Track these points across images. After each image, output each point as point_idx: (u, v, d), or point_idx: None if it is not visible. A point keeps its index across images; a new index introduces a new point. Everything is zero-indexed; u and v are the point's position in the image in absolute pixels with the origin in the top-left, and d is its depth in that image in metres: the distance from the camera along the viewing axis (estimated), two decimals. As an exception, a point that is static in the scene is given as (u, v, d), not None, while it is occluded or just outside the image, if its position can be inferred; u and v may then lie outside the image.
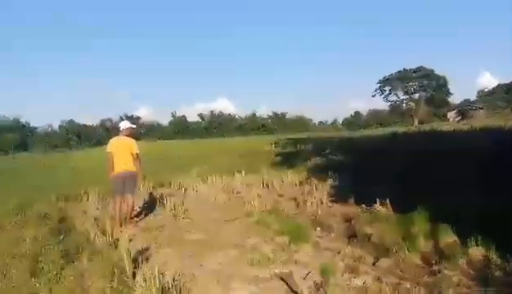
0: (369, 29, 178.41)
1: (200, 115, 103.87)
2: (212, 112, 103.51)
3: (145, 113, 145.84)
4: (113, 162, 8.13)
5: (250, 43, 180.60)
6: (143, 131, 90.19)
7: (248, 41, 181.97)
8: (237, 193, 11.50)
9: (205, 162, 21.82)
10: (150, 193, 11.49)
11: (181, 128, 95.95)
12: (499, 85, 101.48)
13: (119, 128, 8.60)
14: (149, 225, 8.25)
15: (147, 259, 5.87)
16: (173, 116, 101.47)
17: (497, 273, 4.63)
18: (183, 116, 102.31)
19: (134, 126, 8.97)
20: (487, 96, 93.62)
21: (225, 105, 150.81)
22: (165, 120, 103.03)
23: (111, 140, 8.42)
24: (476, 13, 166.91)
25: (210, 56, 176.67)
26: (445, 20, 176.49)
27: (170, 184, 13.45)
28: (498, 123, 23.44)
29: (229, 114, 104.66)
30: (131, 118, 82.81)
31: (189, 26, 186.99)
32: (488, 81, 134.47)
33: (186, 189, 12.26)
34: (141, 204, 10.32)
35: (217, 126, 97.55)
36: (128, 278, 4.86)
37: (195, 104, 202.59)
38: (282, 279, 4.90)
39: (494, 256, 4.98)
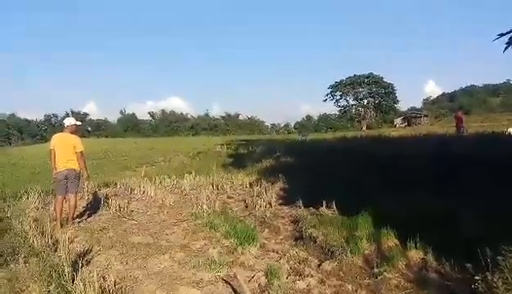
0: (323, 35, 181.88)
1: (151, 113, 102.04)
2: (163, 110, 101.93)
3: (94, 110, 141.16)
4: (55, 160, 7.78)
5: (205, 43, 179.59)
6: (90, 129, 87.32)
7: (203, 40, 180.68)
8: (186, 194, 11.33)
9: (154, 161, 21.41)
10: (95, 193, 11.07)
11: (130, 126, 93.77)
12: (443, 93, 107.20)
13: (63, 124, 8.24)
14: (92, 227, 7.92)
15: (88, 262, 5.65)
16: (122, 113, 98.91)
17: (433, 276, 4.83)
18: (133, 114, 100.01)
19: (79, 123, 8.62)
20: (431, 104, 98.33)
21: (177, 104, 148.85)
22: (114, 117, 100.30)
23: (54, 137, 8.05)
24: (423, 25, 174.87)
25: (163, 54, 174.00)
26: (394, 30, 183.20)
27: (116, 184, 13.03)
28: (441, 130, 24.61)
29: (181, 113, 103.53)
30: (77, 115, 80.00)
31: (141, 23, 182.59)
32: (433, 89, 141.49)
33: (132, 190, 11.93)
34: (84, 204, 9.93)
35: (168, 124, 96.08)
36: (66, 281, 4.64)
37: (146, 102, 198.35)
38: (227, 282, 4.87)
39: (431, 259, 5.20)
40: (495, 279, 3.73)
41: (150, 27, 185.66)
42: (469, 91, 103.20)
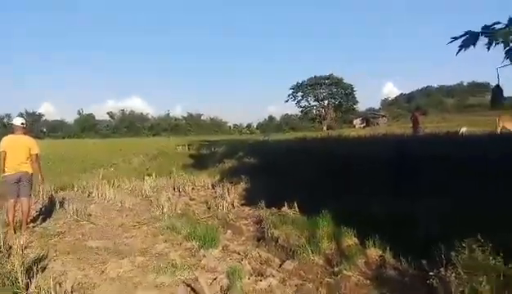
0: (286, 37, 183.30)
1: (110, 113, 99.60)
2: (122, 110, 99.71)
3: (50, 111, 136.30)
4: (5, 163, 7.44)
5: (167, 43, 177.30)
6: (45, 130, 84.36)
7: (164, 40, 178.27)
8: (146, 196, 11.13)
9: (113, 163, 20.91)
10: (50, 197, 10.67)
11: (87, 126, 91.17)
12: (400, 94, 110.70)
13: (13, 125, 7.88)
14: (47, 232, 7.62)
15: (44, 268, 5.43)
16: (80, 114, 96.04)
17: (391, 273, 4.97)
18: (91, 114, 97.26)
19: (24, 123, 8.11)
20: (389, 105, 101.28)
21: (137, 104, 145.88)
22: (71, 118, 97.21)
23: (4, 138, 7.67)
24: (382, 27, 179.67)
25: (123, 53, 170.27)
26: (354, 32, 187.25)
27: (73, 186, 12.63)
28: (399, 130, 25.33)
29: (141, 113, 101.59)
30: (32, 115, 77.06)
31: (102, 22, 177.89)
32: (391, 90, 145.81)
33: (90, 193, 11.60)
34: (39, 208, 9.56)
35: (127, 125, 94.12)
36: (20, 289, 4.46)
37: (106, 102, 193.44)
38: (188, 285, 4.82)
39: (389, 256, 5.34)
40: (448, 274, 3.87)
41: (112, 26, 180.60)
42: (426, 92, 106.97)
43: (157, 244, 6.68)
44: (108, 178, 13.66)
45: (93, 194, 11.44)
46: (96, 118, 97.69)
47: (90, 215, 8.90)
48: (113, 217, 8.86)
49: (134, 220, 8.57)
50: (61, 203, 9.69)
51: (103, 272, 5.41)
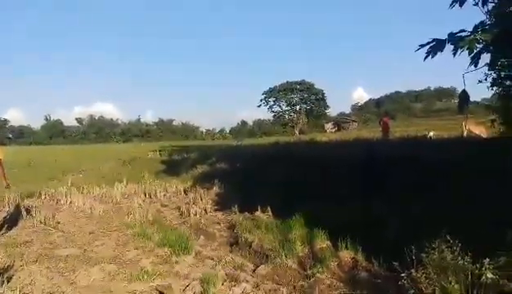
0: (259, 43, 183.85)
1: (78, 119, 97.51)
2: (91, 116, 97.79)
3: (16, 117, 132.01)
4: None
5: (138, 47, 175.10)
6: (11, 136, 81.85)
7: (135, 44, 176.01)
8: (117, 203, 10.94)
9: (82, 170, 20.45)
10: (17, 205, 10.31)
11: (55, 132, 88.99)
12: (370, 99, 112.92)
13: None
14: (13, 240, 7.36)
15: (10, 278, 5.24)
16: (47, 119, 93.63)
17: (363, 274, 5.03)
18: (58, 120, 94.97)
19: None
20: (359, 110, 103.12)
21: (107, 109, 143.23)
22: (39, 124, 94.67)
23: (-33, 145, 7.42)
24: (353, 34, 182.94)
25: (92, 58, 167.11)
26: (326, 39, 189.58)
27: (41, 194, 12.27)
28: (369, 134, 25.78)
29: (111, 119, 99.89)
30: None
31: (71, 25, 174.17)
32: (361, 96, 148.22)
33: (58, 200, 11.30)
34: (3, 216, 9.22)
35: (97, 130, 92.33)
36: (-16, 302, 4.30)
37: (74, 108, 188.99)
38: (161, 293, 4.75)
39: (361, 258, 5.42)
40: (419, 275, 3.96)
41: (78, 29, 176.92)
42: (394, 98, 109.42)
43: (128, 251, 6.56)
44: (77, 185, 13.36)
45: (62, 202, 11.14)
46: (65, 123, 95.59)
47: (58, 222, 8.66)
48: (82, 225, 8.65)
49: (104, 227, 8.39)
50: (28, 211, 9.39)
51: (73, 281, 5.27)
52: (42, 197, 12.00)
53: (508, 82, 5.81)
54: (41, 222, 8.50)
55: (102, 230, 8.11)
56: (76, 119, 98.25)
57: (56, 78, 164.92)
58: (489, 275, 3.59)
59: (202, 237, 7.43)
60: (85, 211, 9.94)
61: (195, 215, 8.99)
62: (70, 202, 10.91)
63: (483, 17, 3.79)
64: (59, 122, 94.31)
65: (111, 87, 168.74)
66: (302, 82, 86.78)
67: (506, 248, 3.87)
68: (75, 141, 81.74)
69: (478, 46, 3.52)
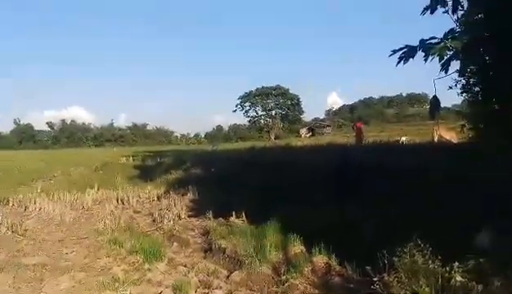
0: (234, 48, 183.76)
1: (49, 123, 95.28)
2: (63, 120, 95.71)
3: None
4: None
5: (108, 49, 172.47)
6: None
7: (106, 46, 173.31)
8: (88, 210, 10.69)
9: (52, 175, 19.98)
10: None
11: (26, 137, 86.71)
12: (344, 105, 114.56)
13: None
14: (-22, 249, 7.11)
15: (-27, 289, 5.06)
16: (17, 124, 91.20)
17: (337, 279, 5.06)
18: (29, 124, 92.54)
19: None
20: (333, 115, 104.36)
21: (79, 114, 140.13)
22: (7, 128, 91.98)
23: None
24: (326, 39, 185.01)
25: (63, 60, 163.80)
26: (300, 44, 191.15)
27: (8, 200, 11.87)
28: (343, 140, 26.12)
29: (83, 123, 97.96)
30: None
31: (42, 23, 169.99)
32: (335, 101, 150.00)
33: (27, 207, 10.97)
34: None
35: (68, 135, 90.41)
36: None
37: (44, 112, 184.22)
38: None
39: (334, 263, 5.46)
40: (391, 279, 4.01)
41: (48, 30, 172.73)
42: (367, 103, 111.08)
43: (99, 259, 6.42)
44: (47, 191, 13.02)
45: (30, 208, 10.81)
46: (35, 128, 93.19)
47: (26, 230, 8.39)
48: (52, 232, 8.43)
49: (75, 234, 8.19)
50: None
51: (40, 290, 5.12)
52: (10, 204, 11.63)
53: (477, 89, 5.96)
54: (7, 229, 8.24)
55: (72, 238, 7.91)
56: (47, 123, 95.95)
57: (25, 82, 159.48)
58: (458, 278, 3.66)
59: (175, 243, 7.34)
60: (55, 218, 9.66)
61: (169, 221, 8.87)
62: (39, 209, 10.60)
63: (453, 24, 3.90)
64: (29, 127, 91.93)
65: (82, 91, 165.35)
66: (277, 88, 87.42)
67: (474, 252, 3.96)
68: (46, 146, 79.76)
69: (448, 53, 3.61)
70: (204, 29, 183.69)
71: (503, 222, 4.28)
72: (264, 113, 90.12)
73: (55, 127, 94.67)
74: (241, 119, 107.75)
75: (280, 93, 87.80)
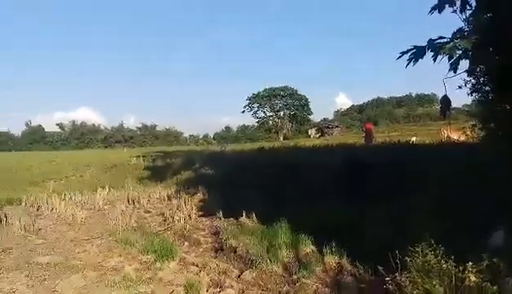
0: (243, 48, 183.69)
1: (60, 125, 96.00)
2: (73, 122, 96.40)
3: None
4: None
5: (117, 52, 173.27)
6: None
7: (115, 49, 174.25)
8: (99, 210, 10.78)
9: (64, 176, 20.15)
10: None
11: (36, 138, 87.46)
12: (352, 106, 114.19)
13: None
14: (-8, 248, 7.20)
15: (-12, 287, 5.13)
16: (28, 125, 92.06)
17: (349, 279, 5.05)
18: (39, 125, 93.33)
19: None
20: (342, 116, 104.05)
21: (88, 115, 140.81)
22: (18, 130, 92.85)
23: None
24: (334, 41, 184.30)
25: (72, 62, 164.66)
26: (307, 46, 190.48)
27: (20, 200, 12.01)
28: (352, 140, 26.01)
29: (93, 124, 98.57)
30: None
31: (49, 27, 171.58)
32: (343, 102, 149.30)
33: (39, 207, 11.08)
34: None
35: (78, 137, 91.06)
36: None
37: (55, 113, 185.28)
38: (145, 300, 4.70)
39: (346, 263, 5.45)
40: (403, 279, 3.99)
41: (57, 32, 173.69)
42: (376, 104, 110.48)
43: (111, 258, 6.46)
44: (59, 191, 13.13)
45: (43, 208, 10.93)
46: (46, 129, 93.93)
47: (39, 229, 8.48)
48: (64, 231, 8.50)
49: (87, 234, 8.25)
50: (8, 218, 9.19)
51: (53, 289, 5.17)
52: (23, 204, 11.77)
53: (486, 88, 5.89)
54: (20, 229, 8.32)
55: (84, 237, 7.98)
56: (57, 125, 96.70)
57: (37, 82, 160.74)
58: (473, 278, 3.64)
59: (186, 243, 7.39)
60: (67, 217, 9.76)
61: (179, 221, 8.92)
62: (52, 209, 10.72)
63: (461, 24, 3.88)
64: (40, 128, 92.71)
65: (91, 92, 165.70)
66: (285, 88, 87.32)
67: (488, 252, 3.93)
68: (57, 147, 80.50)
69: (457, 52, 3.60)
70: (207, 29, 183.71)
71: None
72: (272, 113, 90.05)
73: (65, 129, 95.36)
74: (250, 120, 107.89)
75: (288, 94, 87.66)
